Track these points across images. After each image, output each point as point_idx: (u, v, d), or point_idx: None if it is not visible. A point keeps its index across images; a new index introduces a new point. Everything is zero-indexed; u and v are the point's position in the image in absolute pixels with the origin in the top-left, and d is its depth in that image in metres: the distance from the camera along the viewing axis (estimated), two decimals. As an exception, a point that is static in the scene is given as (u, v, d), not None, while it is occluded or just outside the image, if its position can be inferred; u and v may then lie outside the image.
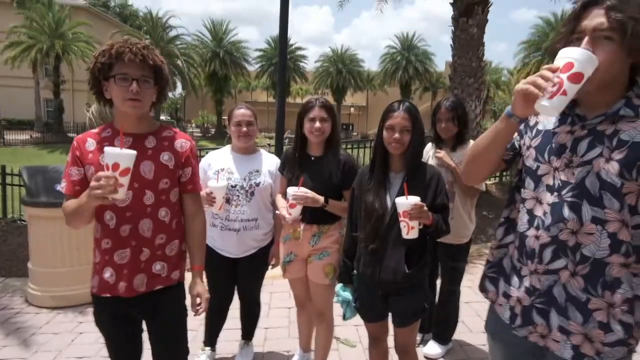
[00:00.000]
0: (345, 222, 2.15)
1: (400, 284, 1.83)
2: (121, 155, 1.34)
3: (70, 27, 25.46)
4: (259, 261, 2.48)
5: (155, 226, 1.59)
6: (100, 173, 1.34)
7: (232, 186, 2.33)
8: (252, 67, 38.67)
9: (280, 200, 2.34)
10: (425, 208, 1.68)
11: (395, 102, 1.89)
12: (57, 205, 3.21)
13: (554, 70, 1.04)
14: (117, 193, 1.34)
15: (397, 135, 1.79)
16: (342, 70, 39.39)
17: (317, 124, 2.16)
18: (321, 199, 2.11)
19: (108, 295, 1.59)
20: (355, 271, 2.00)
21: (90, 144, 1.56)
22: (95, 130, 1.60)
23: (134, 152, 1.37)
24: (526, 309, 1.25)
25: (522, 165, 1.31)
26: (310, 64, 41.70)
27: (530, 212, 1.25)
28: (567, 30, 1.14)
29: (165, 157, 1.60)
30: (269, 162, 2.47)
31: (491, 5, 6.20)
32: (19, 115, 28.11)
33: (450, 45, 6.51)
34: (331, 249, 2.25)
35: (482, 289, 1.42)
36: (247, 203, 2.35)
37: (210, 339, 2.61)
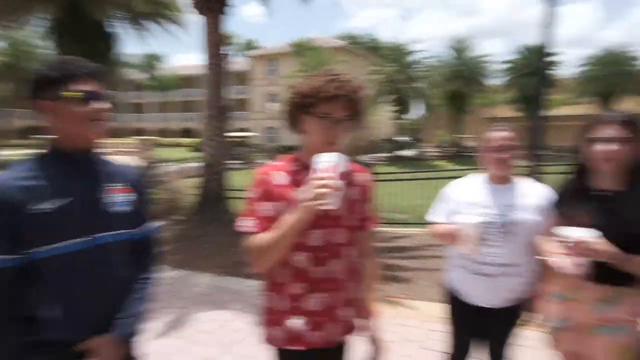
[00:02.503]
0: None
1: None
2: (334, 158, 1.26)
3: (332, 65, 29.83)
4: (515, 315, 2.00)
5: (347, 268, 1.47)
6: (317, 175, 1.23)
7: (486, 223, 1.94)
8: (496, 82, 36.19)
9: (551, 245, 1.81)
10: None
11: None
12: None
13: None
14: (333, 199, 1.23)
15: None
16: (613, 73, 32.26)
17: (607, 147, 1.57)
18: (617, 252, 1.50)
19: (302, 348, 1.42)
20: None
21: (281, 178, 1.43)
22: (281, 164, 1.48)
23: (344, 157, 1.30)
24: None
25: None
26: (568, 70, 36.00)
27: None
28: None
29: (352, 191, 1.47)
30: (535, 194, 1.96)
31: None
32: (291, 142, 34.77)
33: None
34: (627, 324, 1.57)
35: None
36: (504, 244, 1.92)
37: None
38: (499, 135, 1.94)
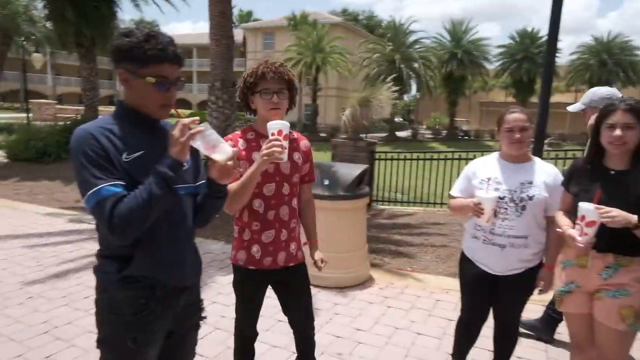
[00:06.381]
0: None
1: None
2: (283, 124, 1.69)
3: (328, 42, 29.47)
4: (524, 283, 2.20)
5: (290, 212, 1.97)
6: (271, 137, 1.66)
7: (500, 198, 2.13)
8: (492, 66, 36.23)
9: (562, 218, 2.01)
10: None
11: None
12: (325, 198, 3.75)
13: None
14: (283, 154, 1.66)
15: None
16: (606, 62, 32.56)
17: (617, 132, 1.75)
18: (633, 217, 1.69)
19: (253, 267, 1.94)
20: None
21: (242, 144, 1.91)
22: (239, 133, 1.95)
23: (287, 123, 1.70)
24: None
25: None
26: (563, 57, 36.20)
27: None
28: None
29: (296, 156, 1.97)
30: (545, 172, 2.15)
31: None
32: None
33: None
34: (633, 288, 1.79)
35: None
36: (516, 218, 2.11)
37: (460, 354, 2.50)
38: (513, 116, 2.11)
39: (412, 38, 31.10)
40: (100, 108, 12.98)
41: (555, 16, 4.09)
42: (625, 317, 1.79)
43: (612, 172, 1.85)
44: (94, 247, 1.45)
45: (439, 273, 4.22)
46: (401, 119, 39.92)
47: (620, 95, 2.63)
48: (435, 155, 7.59)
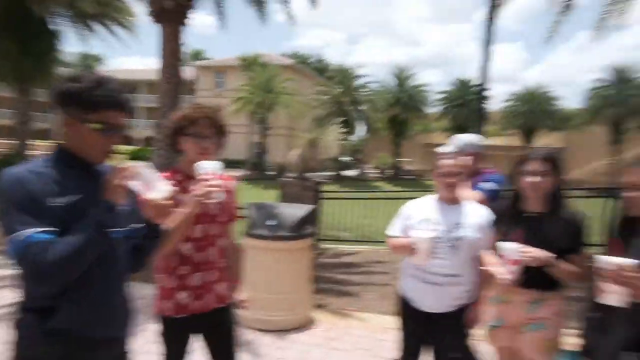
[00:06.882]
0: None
1: None
2: (215, 165, 1.68)
3: (279, 83, 30.15)
4: (458, 320, 2.30)
5: (219, 253, 1.94)
6: (201, 177, 1.65)
7: (435, 238, 2.24)
8: (432, 110, 38.57)
9: (487, 257, 2.15)
10: None
11: None
12: (268, 239, 3.73)
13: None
14: (217, 194, 1.65)
15: None
16: (534, 110, 35.87)
17: (533, 179, 1.94)
18: (550, 256, 1.86)
19: (185, 315, 1.85)
20: None
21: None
22: (168, 174, 1.89)
23: (219, 163, 1.70)
24: None
25: None
26: (495, 104, 39.44)
27: None
28: None
29: (223, 196, 1.85)
30: (477, 214, 2.31)
31: None
32: (235, 156, 34.33)
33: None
34: (549, 321, 1.93)
35: None
36: (450, 257, 2.23)
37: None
38: (445, 162, 2.27)
39: (359, 82, 32.61)
40: (35, 142, 12.20)
41: (484, 69, 4.52)
42: (547, 348, 1.92)
43: (530, 215, 2.03)
44: (10, 295, 1.35)
45: (381, 312, 4.25)
46: (349, 158, 40.96)
47: (479, 142, 2.91)
48: (380, 195, 7.84)
